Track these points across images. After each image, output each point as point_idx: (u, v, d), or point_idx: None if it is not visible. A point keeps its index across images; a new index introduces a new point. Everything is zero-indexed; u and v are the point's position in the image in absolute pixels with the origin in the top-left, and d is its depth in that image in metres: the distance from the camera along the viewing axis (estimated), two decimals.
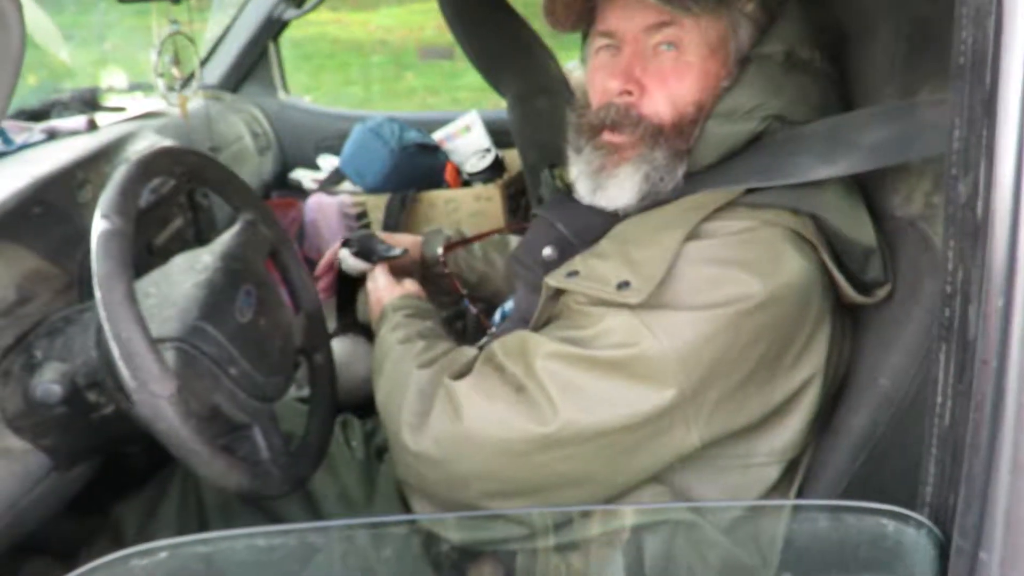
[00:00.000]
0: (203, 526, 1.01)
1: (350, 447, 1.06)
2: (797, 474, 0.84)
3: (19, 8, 0.52)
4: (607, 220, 0.85)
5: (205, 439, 0.74)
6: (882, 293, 0.79)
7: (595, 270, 0.77)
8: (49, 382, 0.81)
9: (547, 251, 0.86)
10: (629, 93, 0.80)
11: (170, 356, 0.78)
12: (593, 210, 0.87)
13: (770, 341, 0.75)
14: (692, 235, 0.76)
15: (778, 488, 0.83)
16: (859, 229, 0.78)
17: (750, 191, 0.78)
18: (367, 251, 1.19)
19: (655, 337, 0.73)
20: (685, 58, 0.79)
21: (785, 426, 0.80)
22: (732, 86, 0.80)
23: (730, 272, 0.74)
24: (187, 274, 0.88)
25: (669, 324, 0.73)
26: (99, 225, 0.74)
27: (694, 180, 0.81)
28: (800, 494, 0.84)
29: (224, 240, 0.95)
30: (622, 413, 0.74)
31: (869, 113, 0.78)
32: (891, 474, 0.77)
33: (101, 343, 0.83)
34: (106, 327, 0.70)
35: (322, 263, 1.24)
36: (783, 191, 0.77)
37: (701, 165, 0.81)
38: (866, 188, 0.82)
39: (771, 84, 0.79)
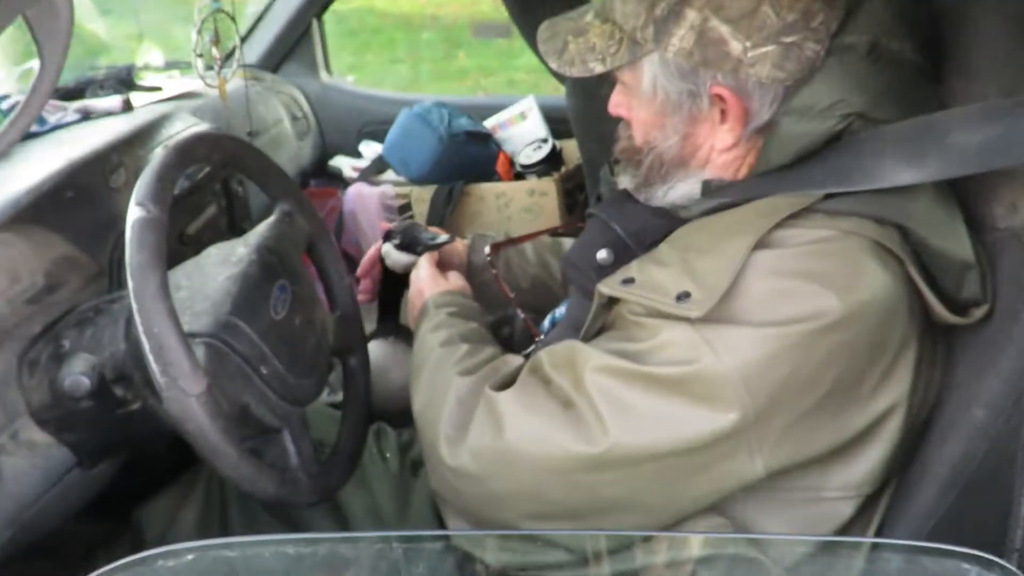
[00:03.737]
0: (225, 534, 1.05)
1: (384, 458, 1.09)
2: (876, 512, 0.83)
3: None
4: (669, 223, 0.86)
5: (233, 441, 0.77)
6: (979, 313, 0.78)
7: (653, 278, 0.79)
8: (78, 374, 0.87)
9: (602, 254, 0.88)
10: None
11: (200, 352, 0.82)
12: (655, 211, 0.88)
13: (847, 364, 0.75)
14: (762, 243, 0.76)
15: (853, 526, 0.82)
16: (954, 241, 0.78)
17: (828, 196, 0.78)
18: (412, 242, 1.21)
19: (716, 355, 0.74)
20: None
21: (862, 458, 0.80)
22: (808, 80, 0.80)
23: (803, 286, 0.74)
24: (221, 267, 0.92)
25: (733, 341, 0.74)
26: (134, 213, 0.78)
27: (765, 182, 0.82)
28: (879, 534, 0.83)
29: (260, 231, 0.99)
30: (677, 436, 0.75)
31: (966, 111, 0.77)
32: (985, 515, 0.76)
33: (131, 336, 0.88)
34: (137, 320, 0.75)
35: (364, 262, 1.26)
36: (866, 197, 0.77)
37: (773, 166, 0.82)
38: (963, 196, 0.81)
39: (852, 78, 0.79)
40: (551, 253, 1.26)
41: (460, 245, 1.23)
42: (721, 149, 0.84)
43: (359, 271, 1.26)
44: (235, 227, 1.48)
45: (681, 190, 0.87)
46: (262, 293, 0.91)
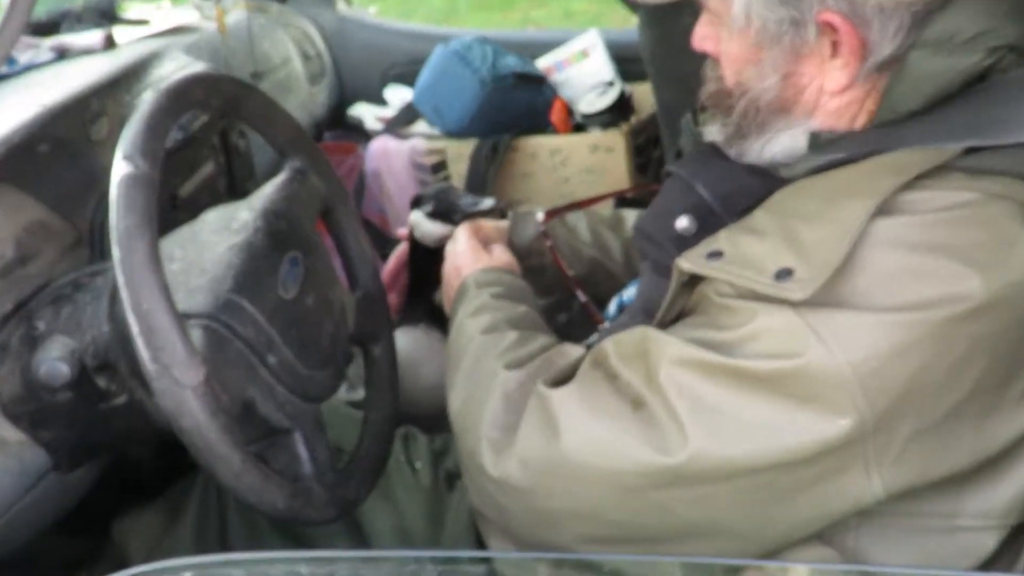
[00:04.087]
0: (224, 551, 1.08)
1: (413, 469, 1.11)
2: None
3: None
4: (767, 184, 0.86)
5: (235, 443, 0.79)
6: None
7: (746, 252, 0.78)
8: (55, 360, 0.90)
9: (682, 222, 0.87)
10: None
11: (197, 336, 0.84)
12: (749, 169, 0.88)
13: (992, 360, 0.75)
14: (885, 209, 0.75)
15: (996, 564, 0.82)
16: None
17: (969, 151, 0.77)
18: (447, 208, 1.21)
19: (825, 346, 0.73)
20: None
21: (1009, 479, 0.79)
22: (945, 4, 0.78)
23: (937, 262, 0.74)
24: (221, 234, 0.94)
25: (846, 329, 0.73)
26: (120, 169, 0.80)
27: (889, 133, 0.80)
28: None
29: (267, 193, 1.01)
30: (776, 446, 0.75)
31: None
32: None
33: (115, 315, 0.90)
34: (124, 295, 0.76)
35: (387, 271, 1.27)
36: (1017, 153, 0.76)
37: (899, 113, 0.81)
38: None
39: (1003, 2, 0.77)
40: (610, 229, 1.26)
41: (492, 231, 1.21)
42: (832, 91, 0.83)
43: (384, 274, 1.26)
44: (236, 188, 1.51)
45: (782, 143, 0.86)
46: (269, 267, 0.93)
